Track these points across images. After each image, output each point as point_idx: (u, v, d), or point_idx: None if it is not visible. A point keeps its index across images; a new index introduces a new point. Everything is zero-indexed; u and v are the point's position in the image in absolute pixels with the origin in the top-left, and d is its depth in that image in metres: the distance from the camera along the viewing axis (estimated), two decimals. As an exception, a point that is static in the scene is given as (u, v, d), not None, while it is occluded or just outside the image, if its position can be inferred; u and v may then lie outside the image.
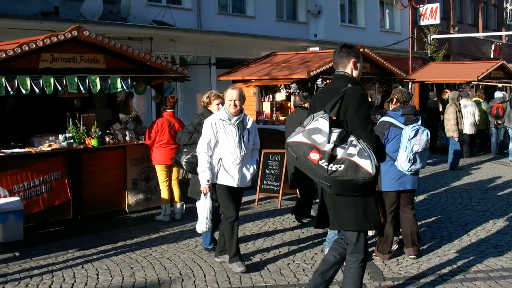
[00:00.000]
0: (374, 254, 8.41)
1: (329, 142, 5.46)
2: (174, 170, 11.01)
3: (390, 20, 35.12)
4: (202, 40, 25.32)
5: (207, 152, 7.77)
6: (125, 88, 10.78)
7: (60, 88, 9.99)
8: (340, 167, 5.39)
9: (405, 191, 8.28)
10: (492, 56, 38.92)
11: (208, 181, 7.70)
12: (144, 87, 11.52)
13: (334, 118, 5.64)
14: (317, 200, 6.92)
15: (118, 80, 10.58)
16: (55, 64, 10.33)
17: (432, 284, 7.35)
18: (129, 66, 11.30)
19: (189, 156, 8.69)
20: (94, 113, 11.62)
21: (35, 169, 10.16)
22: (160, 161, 10.83)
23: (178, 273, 7.87)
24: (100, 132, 10.92)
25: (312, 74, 13.60)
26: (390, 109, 8.57)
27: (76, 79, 10.12)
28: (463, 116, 17.39)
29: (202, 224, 7.81)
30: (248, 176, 7.98)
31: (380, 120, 8.50)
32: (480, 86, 21.85)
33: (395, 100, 8.55)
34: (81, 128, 10.80)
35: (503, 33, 41.79)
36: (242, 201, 11.97)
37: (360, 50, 14.71)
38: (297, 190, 11.23)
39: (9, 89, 9.43)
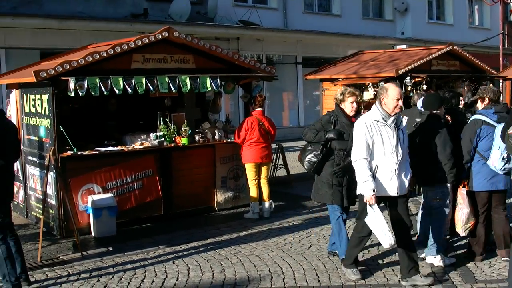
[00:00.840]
0: (465, 255, 8.25)
1: None
2: (264, 168, 11.09)
3: (479, 16, 34.33)
4: (288, 39, 25.41)
5: (367, 157, 7.03)
6: (214, 87, 10.91)
7: (151, 88, 10.20)
8: None
9: (497, 191, 8.07)
10: None
11: (373, 191, 6.92)
12: (233, 87, 11.64)
13: None
14: None
15: (208, 80, 10.72)
16: (146, 64, 10.58)
17: (527, 287, 7.16)
18: (218, 65, 11.44)
19: (311, 155, 8.01)
20: (184, 112, 11.82)
21: (127, 166, 10.44)
22: (249, 160, 10.93)
23: (267, 271, 7.93)
24: (190, 131, 11.12)
25: (400, 72, 13.41)
26: (481, 107, 8.38)
27: (167, 79, 10.31)
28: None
29: (386, 237, 6.91)
30: (406, 183, 7.25)
31: (471, 118, 8.31)
32: None
33: (487, 99, 8.35)
34: (172, 127, 11.02)
35: None
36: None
37: (449, 47, 14.48)
38: None
39: (103, 89, 9.70)
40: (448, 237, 8.98)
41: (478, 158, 8.00)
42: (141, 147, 10.71)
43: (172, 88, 10.38)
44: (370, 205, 6.96)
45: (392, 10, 29.97)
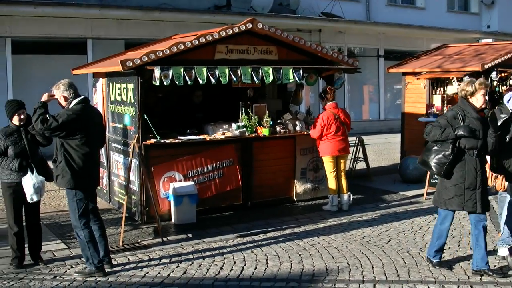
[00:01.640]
0: None
1: None
2: (341, 161, 11.04)
3: None
4: (370, 32, 25.22)
5: None
6: (297, 79, 10.91)
7: (234, 79, 10.28)
8: None
9: None
10: None
11: None
12: (315, 78, 11.62)
13: None
14: None
15: (290, 71, 10.73)
16: (230, 55, 10.69)
17: None
18: (300, 57, 11.44)
19: (440, 155, 7.31)
20: (266, 103, 11.88)
21: (208, 155, 10.58)
22: (327, 153, 10.90)
23: (345, 263, 7.91)
24: (271, 122, 11.16)
25: (486, 67, 13.12)
26: None
27: (250, 70, 10.37)
28: None
29: None
30: None
31: None
32: None
33: None
34: (253, 118, 11.09)
35: None
36: (410, 195, 11.88)
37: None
38: None
39: (187, 79, 9.84)
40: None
41: None
42: (222, 136, 10.83)
43: (255, 79, 10.44)
44: None
45: (478, 3, 29.29)
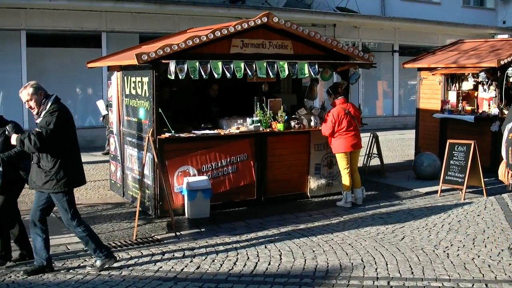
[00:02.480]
0: None
1: None
2: (354, 156, 11.02)
3: None
4: (385, 27, 25.12)
5: None
6: (312, 73, 10.86)
7: (249, 73, 10.24)
8: None
9: None
10: None
11: None
12: (330, 73, 11.56)
13: None
14: None
15: (306, 66, 10.69)
16: (245, 49, 10.65)
17: None
18: (315, 52, 11.38)
19: None
20: (280, 98, 11.84)
21: (223, 150, 10.55)
22: (340, 149, 10.85)
23: (359, 260, 7.87)
24: (286, 117, 11.11)
25: (502, 62, 13.03)
26: None
27: (265, 64, 10.33)
28: None
29: None
30: None
31: None
32: None
33: None
34: (268, 112, 11.04)
35: None
36: (424, 192, 11.81)
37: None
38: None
39: (202, 73, 9.81)
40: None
41: None
42: (237, 131, 10.80)
43: (270, 73, 10.39)
44: None
45: (494, -2, 29.19)
